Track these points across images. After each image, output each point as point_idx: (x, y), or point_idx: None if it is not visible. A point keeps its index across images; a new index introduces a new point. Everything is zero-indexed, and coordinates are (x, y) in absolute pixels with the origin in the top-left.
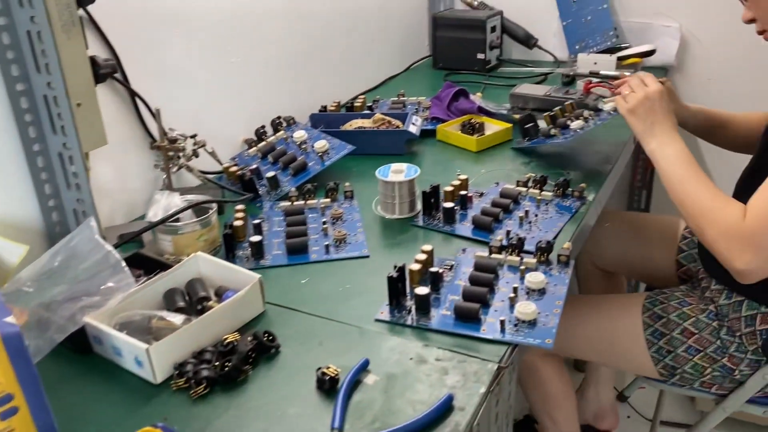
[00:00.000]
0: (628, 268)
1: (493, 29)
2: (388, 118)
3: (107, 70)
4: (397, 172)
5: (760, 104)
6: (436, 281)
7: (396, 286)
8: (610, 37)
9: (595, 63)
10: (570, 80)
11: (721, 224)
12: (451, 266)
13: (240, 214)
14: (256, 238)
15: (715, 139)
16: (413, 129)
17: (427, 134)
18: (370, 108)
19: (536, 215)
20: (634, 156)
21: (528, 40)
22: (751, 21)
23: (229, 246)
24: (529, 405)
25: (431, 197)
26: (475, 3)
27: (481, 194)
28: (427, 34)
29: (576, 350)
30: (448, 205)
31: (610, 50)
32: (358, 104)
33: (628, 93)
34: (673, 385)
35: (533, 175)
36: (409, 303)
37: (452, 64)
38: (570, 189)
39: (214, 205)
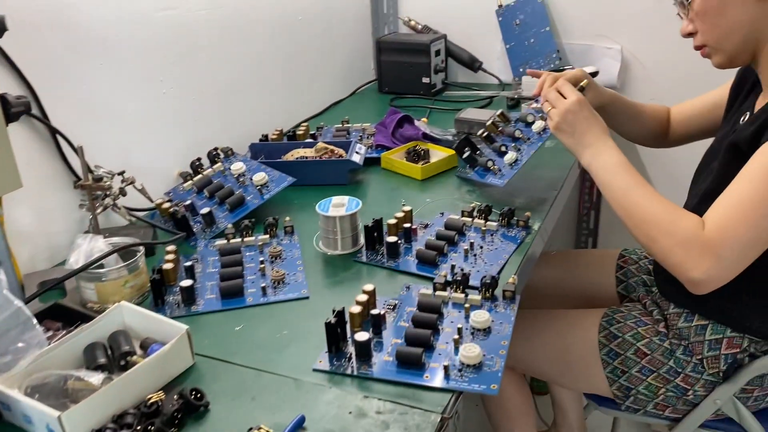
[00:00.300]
0: (569, 307)
1: (438, 53)
2: (330, 147)
3: (20, 108)
4: (338, 206)
5: None
6: (377, 324)
7: (335, 332)
8: (553, 59)
9: None
10: (515, 103)
11: (678, 234)
12: (395, 306)
13: (171, 256)
14: (186, 283)
15: (624, 128)
16: (356, 158)
17: (372, 162)
18: (313, 136)
19: (481, 247)
20: (581, 177)
21: (472, 64)
22: (690, 35)
23: (157, 292)
24: (492, 425)
25: (374, 231)
26: (419, 26)
27: (426, 225)
28: (373, 58)
29: (533, 368)
30: (392, 239)
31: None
32: (301, 132)
33: (550, 109)
34: (628, 409)
35: (478, 204)
36: (350, 349)
37: (398, 88)
38: (515, 218)
39: (142, 249)
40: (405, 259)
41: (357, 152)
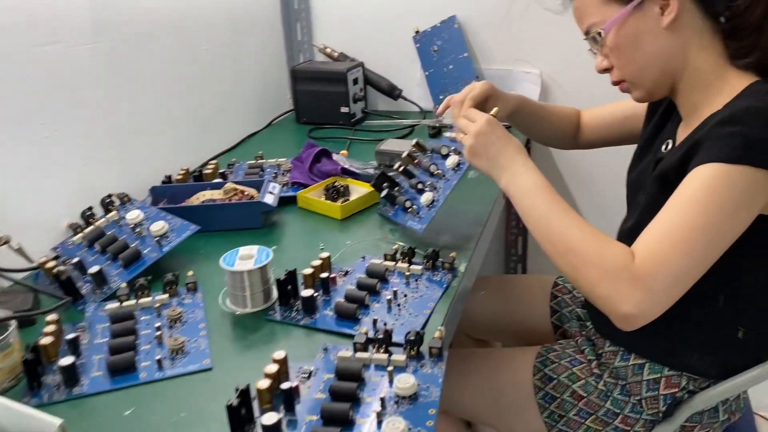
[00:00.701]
0: (503, 335)
1: (356, 81)
2: (240, 187)
3: None
4: (246, 258)
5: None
6: (290, 400)
7: (238, 415)
8: None
9: None
10: (436, 131)
11: (606, 264)
12: (310, 373)
13: (50, 328)
14: (66, 362)
15: (534, 131)
16: (270, 199)
17: (288, 201)
18: (222, 175)
19: (405, 295)
20: (507, 201)
21: (392, 92)
22: (607, 70)
23: (32, 374)
24: None
25: (288, 284)
26: (335, 54)
27: (346, 273)
28: (289, 87)
29: (466, 412)
30: (308, 293)
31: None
32: (209, 171)
33: (462, 137)
34: None
35: (401, 245)
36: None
37: (316, 119)
38: (440, 260)
39: (13, 323)
40: (323, 315)
41: (270, 192)
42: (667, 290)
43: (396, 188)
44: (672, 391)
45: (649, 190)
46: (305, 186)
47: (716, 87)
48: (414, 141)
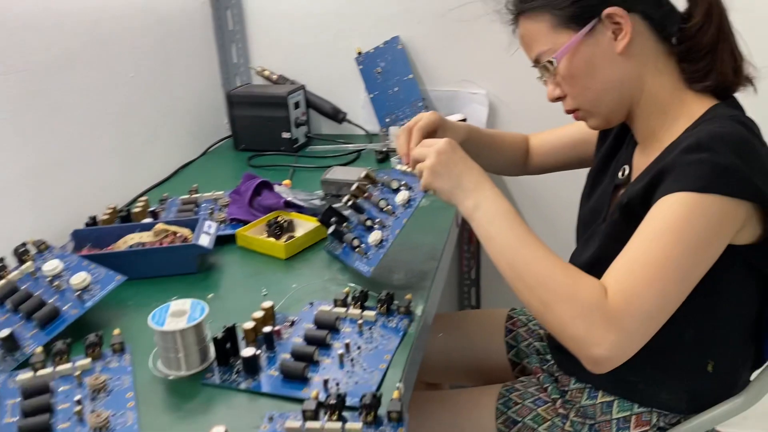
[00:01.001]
0: (458, 376)
1: (297, 105)
2: (172, 228)
3: None
4: (178, 314)
5: None
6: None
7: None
8: (420, 108)
9: None
10: (384, 156)
11: (579, 302)
12: (293, 322)
13: None
14: None
15: (483, 160)
16: (205, 241)
17: (227, 240)
18: (153, 213)
19: (359, 347)
20: (461, 227)
21: (336, 115)
22: (559, 99)
23: None
24: None
25: (227, 342)
26: (274, 77)
27: (292, 323)
28: (225, 112)
29: None
30: (248, 352)
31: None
32: (138, 210)
33: (420, 165)
34: None
35: (352, 287)
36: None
37: (256, 145)
38: (395, 303)
39: None
40: (267, 376)
41: (206, 232)
42: (641, 329)
43: (344, 224)
44: (643, 429)
45: (610, 219)
46: (245, 222)
47: (674, 112)
48: (363, 172)
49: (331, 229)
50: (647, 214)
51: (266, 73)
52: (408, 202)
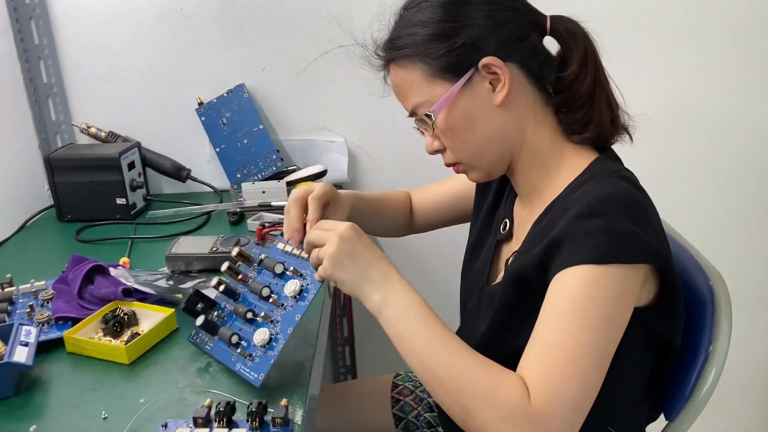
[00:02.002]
0: None
1: (132, 165)
2: None
3: None
4: None
5: None
6: None
7: None
8: (274, 160)
9: (264, 192)
10: (238, 218)
11: (501, 404)
12: None
13: None
14: None
15: (369, 225)
16: (22, 356)
17: (53, 346)
18: None
19: None
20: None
21: (179, 173)
22: (438, 152)
23: None
24: None
25: None
26: (103, 134)
27: None
28: (46, 178)
29: None
30: None
31: (278, 175)
32: None
33: (319, 249)
34: None
35: (216, 395)
36: None
37: (85, 215)
38: (269, 414)
39: None
40: None
41: (23, 343)
42: (568, 425)
43: (215, 313)
44: None
45: (503, 289)
46: (75, 321)
47: (555, 165)
48: (235, 249)
49: (200, 321)
50: (549, 292)
51: (92, 130)
52: (300, 294)
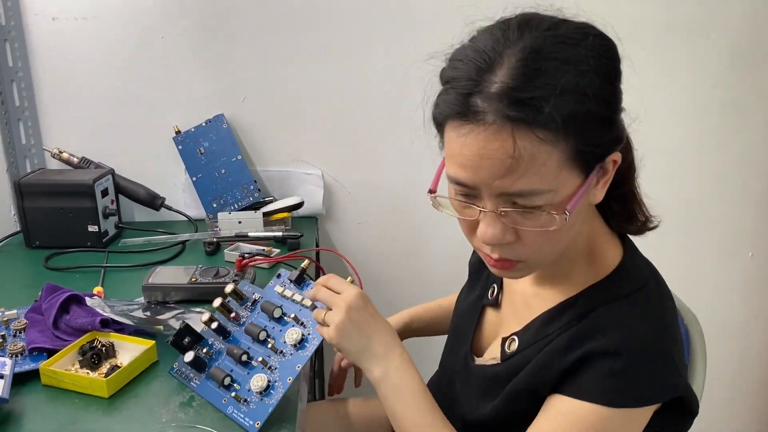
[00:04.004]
0: None
1: (105, 192)
2: None
3: None
4: None
5: (410, 243)
6: None
7: None
8: (252, 191)
9: (240, 222)
10: (215, 248)
11: None
12: None
13: None
14: None
15: (429, 332)
16: None
17: (28, 378)
18: None
19: None
20: None
21: (153, 201)
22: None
23: None
24: None
25: None
26: (75, 159)
27: None
28: (12, 203)
29: None
30: None
31: (254, 205)
32: None
33: (325, 313)
34: None
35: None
36: None
37: (54, 242)
38: None
39: None
40: None
41: None
42: None
43: (204, 350)
44: None
45: (503, 395)
46: (51, 352)
47: (583, 261)
48: (229, 286)
49: (189, 357)
50: (552, 407)
51: (65, 155)
52: (301, 342)
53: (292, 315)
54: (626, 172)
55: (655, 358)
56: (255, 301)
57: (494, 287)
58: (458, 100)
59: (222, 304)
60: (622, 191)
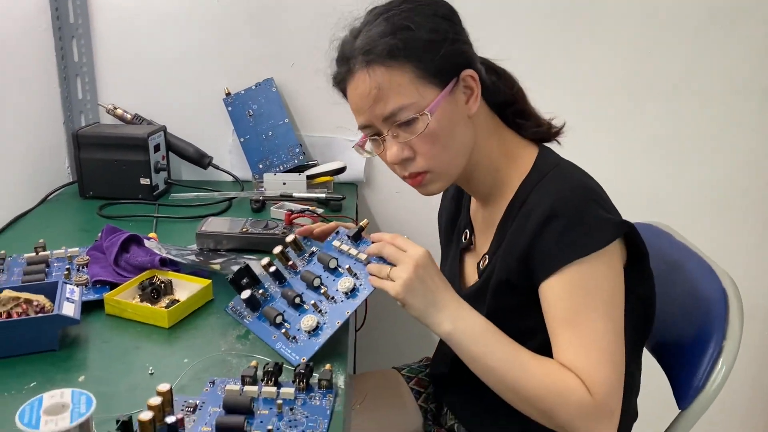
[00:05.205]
0: None
1: (157, 148)
2: (24, 295)
3: None
4: (56, 411)
5: None
6: None
7: None
8: (297, 154)
9: (285, 183)
10: (260, 206)
11: (573, 405)
12: (195, 407)
13: None
14: None
15: None
16: (69, 310)
17: (91, 307)
18: None
19: None
20: None
21: (201, 160)
22: (406, 160)
23: None
24: None
25: None
26: (128, 116)
27: (195, 407)
28: (67, 155)
29: None
30: None
31: (299, 168)
32: None
33: (391, 269)
34: None
35: (260, 360)
36: None
37: (107, 193)
38: (315, 377)
39: None
40: None
41: (69, 299)
42: (617, 400)
43: (260, 291)
44: None
45: (491, 297)
46: (112, 285)
47: (505, 166)
48: (290, 236)
49: (246, 294)
50: (546, 299)
51: (119, 111)
52: (352, 291)
53: (347, 266)
54: (516, 96)
55: (589, 204)
56: (312, 253)
57: (466, 232)
58: (341, 70)
59: (282, 252)
60: (518, 107)
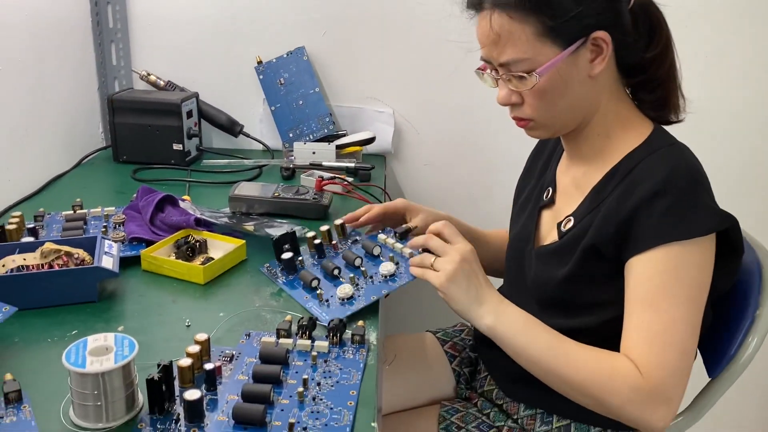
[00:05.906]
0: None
1: (190, 114)
2: (65, 248)
3: None
4: (100, 353)
5: (474, 188)
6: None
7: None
8: (327, 123)
9: (314, 152)
10: (290, 173)
11: (624, 390)
12: (232, 357)
13: None
14: None
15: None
16: (109, 263)
17: (128, 263)
18: (32, 231)
19: (318, 383)
20: None
21: (232, 127)
22: (513, 105)
23: None
24: None
25: (161, 384)
26: (161, 82)
27: (232, 357)
28: (101, 120)
29: None
30: (193, 395)
31: (328, 138)
32: (13, 227)
33: (435, 259)
34: None
35: (297, 315)
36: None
37: (140, 157)
38: (348, 332)
39: None
40: (215, 422)
41: (107, 253)
42: (679, 389)
43: (299, 259)
44: None
45: (569, 260)
46: (148, 243)
47: (618, 134)
48: (339, 220)
49: (288, 255)
50: (635, 273)
51: (152, 78)
52: (392, 276)
53: (390, 255)
54: (650, 64)
55: (698, 190)
56: (356, 241)
57: (549, 189)
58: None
59: (328, 230)
60: (647, 77)
